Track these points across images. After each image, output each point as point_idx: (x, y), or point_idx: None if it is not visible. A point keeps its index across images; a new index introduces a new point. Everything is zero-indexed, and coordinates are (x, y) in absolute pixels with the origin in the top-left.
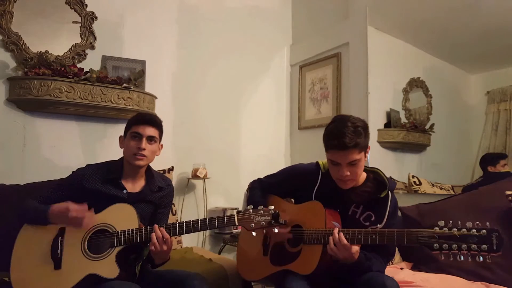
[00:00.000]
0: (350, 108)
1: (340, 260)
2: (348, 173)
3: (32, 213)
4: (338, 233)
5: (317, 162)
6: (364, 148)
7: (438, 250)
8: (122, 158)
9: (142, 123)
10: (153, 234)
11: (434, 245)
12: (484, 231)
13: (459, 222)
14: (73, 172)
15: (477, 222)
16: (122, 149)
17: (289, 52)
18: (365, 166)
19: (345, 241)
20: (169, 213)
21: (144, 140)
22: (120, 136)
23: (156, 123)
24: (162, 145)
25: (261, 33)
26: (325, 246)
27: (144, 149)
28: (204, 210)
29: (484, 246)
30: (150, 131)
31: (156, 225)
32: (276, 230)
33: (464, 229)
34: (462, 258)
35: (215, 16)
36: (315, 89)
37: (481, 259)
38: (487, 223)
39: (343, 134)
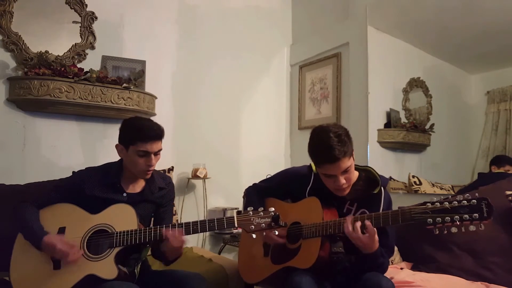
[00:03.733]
0: (350, 108)
1: (362, 250)
2: (344, 181)
3: (27, 232)
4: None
5: (309, 164)
6: (351, 153)
7: (432, 224)
8: (121, 160)
9: (149, 140)
10: (169, 234)
11: (428, 220)
12: (474, 200)
13: (450, 196)
14: (72, 174)
15: (467, 194)
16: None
17: (289, 52)
18: (357, 165)
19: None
20: (172, 210)
21: (152, 156)
22: (118, 145)
23: (162, 136)
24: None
25: (261, 33)
26: (323, 238)
27: (153, 164)
28: (204, 210)
29: (475, 214)
30: (157, 146)
31: (172, 232)
32: (277, 232)
33: (455, 202)
34: (455, 230)
35: (215, 16)
36: (315, 89)
37: (474, 228)
38: (476, 193)
39: (331, 147)
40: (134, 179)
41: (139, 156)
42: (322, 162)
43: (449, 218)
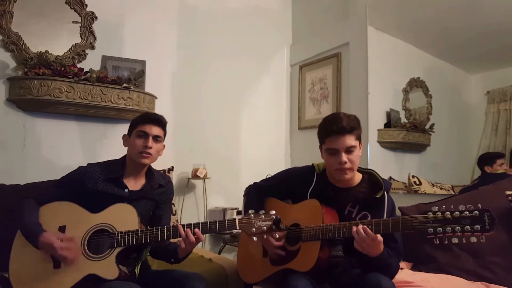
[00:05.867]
0: (350, 108)
1: (367, 253)
2: (347, 160)
3: (25, 231)
4: (362, 227)
5: (312, 164)
6: (359, 137)
7: (433, 234)
8: (124, 157)
9: (148, 122)
10: (183, 233)
11: (429, 229)
12: (476, 212)
13: (452, 206)
14: (74, 170)
15: (469, 205)
16: (126, 148)
17: (289, 52)
18: (360, 167)
19: (369, 231)
20: (171, 208)
21: (150, 138)
22: (124, 135)
23: (162, 123)
24: (164, 146)
25: (261, 33)
26: (323, 241)
27: (151, 148)
28: (204, 210)
29: (477, 226)
30: (156, 130)
31: (188, 230)
32: (277, 235)
33: (456, 212)
34: (456, 240)
35: (215, 16)
36: (315, 89)
37: (475, 239)
38: (479, 204)
39: (340, 119)
40: (136, 175)
41: (138, 137)
42: (329, 133)
43: (450, 229)
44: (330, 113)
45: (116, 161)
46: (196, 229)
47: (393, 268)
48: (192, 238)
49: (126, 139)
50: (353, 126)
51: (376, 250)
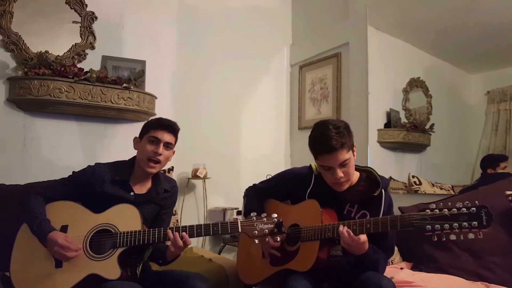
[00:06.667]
0: (350, 108)
1: (351, 252)
2: (342, 174)
3: (35, 224)
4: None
5: (310, 165)
6: (351, 147)
7: (431, 231)
8: (132, 158)
9: (161, 128)
10: (172, 236)
11: (426, 226)
12: (474, 208)
13: (449, 203)
14: (84, 168)
15: (467, 202)
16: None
17: (289, 52)
18: (358, 165)
19: (352, 234)
20: (172, 212)
21: (161, 145)
22: (135, 137)
23: (175, 130)
24: (174, 151)
25: (261, 33)
26: (322, 241)
27: (161, 154)
28: (204, 210)
29: (474, 222)
30: (168, 137)
31: (177, 234)
32: (279, 239)
33: (454, 209)
34: (454, 237)
35: (215, 16)
36: (315, 89)
37: (472, 236)
38: (476, 201)
39: (328, 137)
40: (142, 179)
41: (149, 142)
42: (320, 152)
43: (448, 226)
44: (317, 123)
45: (125, 163)
46: (184, 233)
47: (381, 263)
48: (180, 242)
49: (137, 142)
50: (343, 141)
51: (360, 250)
